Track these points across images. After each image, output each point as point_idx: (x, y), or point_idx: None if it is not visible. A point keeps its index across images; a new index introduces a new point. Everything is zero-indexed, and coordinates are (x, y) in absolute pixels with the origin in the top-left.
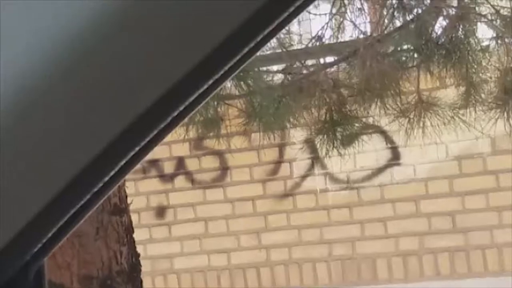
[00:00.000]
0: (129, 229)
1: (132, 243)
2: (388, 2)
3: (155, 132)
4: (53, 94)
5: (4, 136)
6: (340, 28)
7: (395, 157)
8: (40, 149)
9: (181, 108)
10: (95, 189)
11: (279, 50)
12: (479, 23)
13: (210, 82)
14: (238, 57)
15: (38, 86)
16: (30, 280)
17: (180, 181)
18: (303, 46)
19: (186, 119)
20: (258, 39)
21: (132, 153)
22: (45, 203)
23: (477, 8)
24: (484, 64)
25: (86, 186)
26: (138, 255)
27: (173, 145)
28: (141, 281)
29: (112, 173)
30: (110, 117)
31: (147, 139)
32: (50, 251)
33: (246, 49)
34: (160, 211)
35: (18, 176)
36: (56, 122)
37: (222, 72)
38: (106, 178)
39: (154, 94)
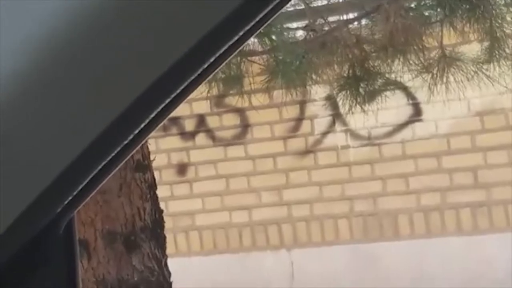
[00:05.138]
0: (152, 186)
1: (155, 200)
2: None
3: (180, 89)
4: (82, 56)
5: (35, 91)
6: None
7: (417, 113)
8: (69, 105)
9: (205, 66)
10: (123, 144)
11: (301, 7)
12: None
13: (233, 40)
14: (262, 14)
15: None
16: (60, 233)
17: (201, 138)
18: (326, 2)
19: (209, 77)
20: None
21: (158, 110)
22: (74, 157)
23: None
24: (508, 18)
25: (114, 141)
26: (161, 211)
27: (194, 103)
28: (165, 237)
29: (139, 128)
30: (136, 75)
31: (172, 95)
32: (79, 205)
33: (269, 7)
34: (181, 169)
35: (48, 130)
36: (82, 79)
37: (245, 29)
38: (133, 133)
39: (178, 53)
